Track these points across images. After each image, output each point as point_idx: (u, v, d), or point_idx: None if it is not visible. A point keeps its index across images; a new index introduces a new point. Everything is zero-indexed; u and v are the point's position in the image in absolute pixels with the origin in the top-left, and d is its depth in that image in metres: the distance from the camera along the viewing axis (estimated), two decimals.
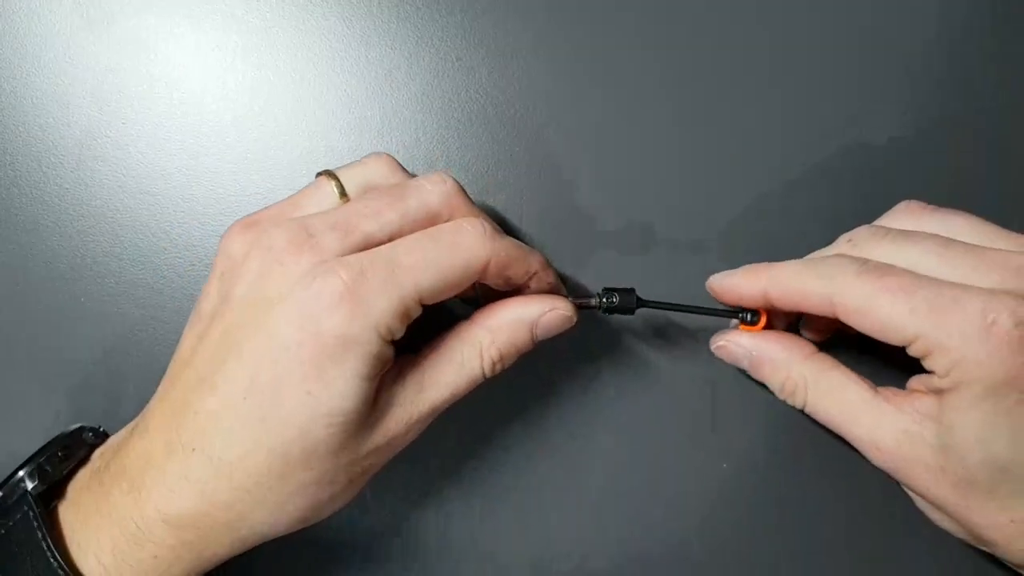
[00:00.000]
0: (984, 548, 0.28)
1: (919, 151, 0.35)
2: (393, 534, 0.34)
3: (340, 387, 0.25)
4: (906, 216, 0.30)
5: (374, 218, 0.27)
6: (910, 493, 0.29)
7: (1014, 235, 0.28)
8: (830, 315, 0.27)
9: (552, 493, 0.35)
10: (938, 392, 0.26)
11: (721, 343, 0.32)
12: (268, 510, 0.26)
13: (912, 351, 0.26)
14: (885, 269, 0.26)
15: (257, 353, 0.25)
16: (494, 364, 0.28)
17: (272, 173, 0.35)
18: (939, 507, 0.27)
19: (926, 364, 0.26)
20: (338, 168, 0.29)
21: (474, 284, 0.28)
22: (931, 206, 0.30)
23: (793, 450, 0.35)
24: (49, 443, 0.29)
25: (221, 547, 0.27)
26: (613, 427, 0.35)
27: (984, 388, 0.25)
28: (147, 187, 0.35)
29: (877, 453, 0.28)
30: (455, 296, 0.27)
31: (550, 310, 0.29)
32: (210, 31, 0.35)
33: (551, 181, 0.35)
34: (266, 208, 0.29)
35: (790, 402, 0.30)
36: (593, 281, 0.35)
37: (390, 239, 0.27)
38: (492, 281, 0.28)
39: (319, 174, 0.29)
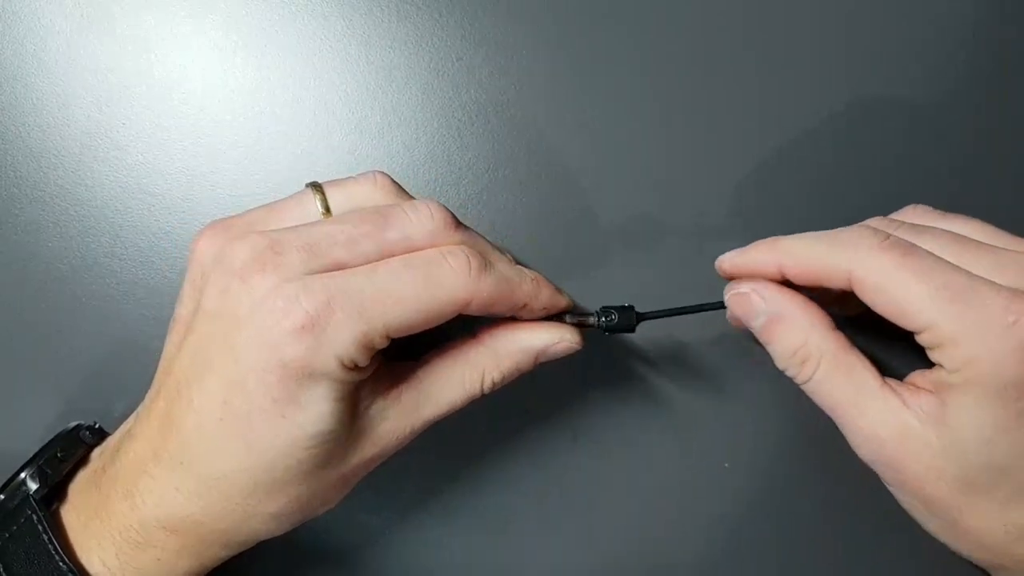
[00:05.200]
0: (965, 555, 0.27)
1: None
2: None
3: (313, 411, 0.24)
4: (914, 218, 0.29)
5: (348, 247, 0.25)
6: (893, 491, 0.28)
7: None
8: (846, 289, 0.26)
9: (551, 493, 0.35)
10: (943, 388, 0.25)
11: (743, 290, 0.28)
12: (260, 520, 0.26)
13: (923, 339, 0.25)
14: (910, 247, 0.25)
15: (226, 374, 0.24)
16: (494, 385, 0.28)
17: (272, 173, 0.35)
18: (930, 506, 0.27)
19: (934, 356, 0.25)
20: (328, 182, 0.28)
21: None
22: (938, 211, 0.29)
23: (793, 450, 0.35)
24: (48, 444, 0.29)
25: (221, 549, 0.27)
26: (612, 427, 0.35)
27: (996, 388, 0.24)
28: (147, 187, 0.35)
29: (875, 446, 0.26)
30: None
31: (558, 342, 0.28)
32: (210, 31, 0.35)
33: (552, 181, 0.35)
34: (244, 213, 0.28)
35: (792, 373, 0.28)
36: (597, 280, 0.35)
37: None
38: (475, 314, 0.26)
39: (308, 185, 0.28)
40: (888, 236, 0.26)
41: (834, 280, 0.26)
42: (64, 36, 0.35)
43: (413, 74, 0.35)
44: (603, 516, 0.35)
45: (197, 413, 0.25)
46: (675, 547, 0.35)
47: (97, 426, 0.30)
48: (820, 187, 0.35)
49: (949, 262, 0.25)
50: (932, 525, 0.28)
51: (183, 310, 0.27)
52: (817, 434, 0.33)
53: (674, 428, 0.35)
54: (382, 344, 0.25)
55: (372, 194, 0.27)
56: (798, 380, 0.28)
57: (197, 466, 0.25)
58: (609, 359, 0.35)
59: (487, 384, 0.28)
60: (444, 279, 0.25)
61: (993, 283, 0.24)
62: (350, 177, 0.28)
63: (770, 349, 0.28)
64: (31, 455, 0.28)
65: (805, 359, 0.27)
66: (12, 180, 0.35)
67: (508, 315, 0.27)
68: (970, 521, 0.26)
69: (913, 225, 0.28)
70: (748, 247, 0.29)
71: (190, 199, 0.35)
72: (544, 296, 0.27)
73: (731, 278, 0.29)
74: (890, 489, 0.28)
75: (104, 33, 0.35)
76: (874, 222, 0.29)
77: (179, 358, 0.26)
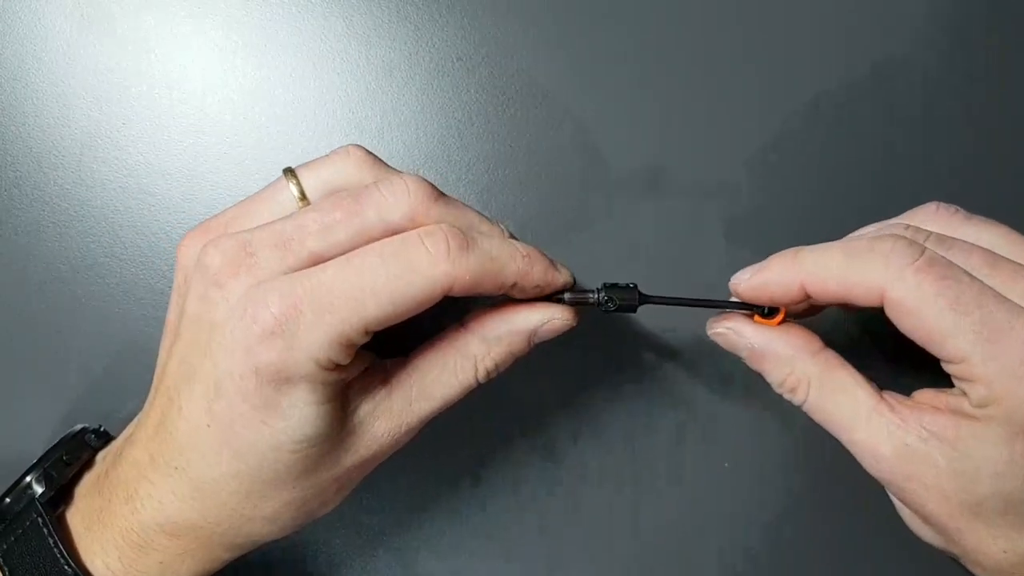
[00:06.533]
0: (959, 560, 0.27)
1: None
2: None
3: (296, 416, 0.24)
4: (935, 221, 0.28)
5: (322, 236, 0.24)
6: (893, 499, 0.28)
7: None
8: (875, 305, 0.25)
9: (550, 494, 0.35)
10: (960, 414, 0.24)
11: (720, 330, 0.28)
12: (258, 523, 0.26)
13: (951, 369, 0.24)
14: (947, 267, 0.24)
15: (207, 381, 0.24)
16: (488, 373, 0.27)
17: (272, 173, 0.35)
18: (929, 522, 0.26)
19: (959, 384, 0.24)
20: (302, 165, 0.27)
21: None
22: (962, 212, 0.28)
23: (794, 449, 0.35)
24: (54, 447, 0.29)
25: (224, 552, 0.27)
26: (612, 428, 0.35)
27: (1019, 429, 0.23)
28: (147, 187, 0.35)
29: (874, 463, 0.26)
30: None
31: (549, 320, 0.27)
32: (210, 31, 0.35)
33: (552, 181, 0.35)
34: (221, 213, 0.27)
35: (787, 398, 0.28)
36: (596, 282, 0.35)
37: (341, 254, 0.24)
38: (462, 296, 0.25)
39: (284, 171, 0.27)
40: (923, 251, 0.24)
41: (863, 298, 0.25)
42: (64, 36, 0.35)
43: (413, 74, 0.35)
44: (603, 517, 0.35)
45: (187, 420, 0.25)
46: (675, 547, 0.35)
47: (102, 429, 0.30)
48: (820, 187, 0.35)
49: (990, 288, 0.24)
50: (929, 537, 0.28)
51: (171, 315, 0.27)
52: (817, 434, 0.33)
53: (675, 428, 0.35)
54: (362, 340, 0.24)
55: (347, 171, 0.27)
56: (795, 403, 0.28)
57: (190, 471, 0.25)
58: (609, 358, 0.35)
59: (481, 373, 0.27)
60: (421, 265, 0.24)
61: None
62: (323, 157, 0.27)
63: (764, 376, 0.28)
64: (36, 458, 0.28)
65: (794, 387, 0.27)
66: (12, 180, 0.35)
67: (500, 295, 0.26)
68: (969, 541, 0.25)
69: (941, 237, 0.26)
70: (766, 263, 0.27)
71: (190, 199, 0.35)
72: (537, 272, 0.26)
73: (748, 301, 0.28)
74: (891, 498, 0.28)
75: (104, 33, 0.35)
76: (897, 229, 0.27)
77: (169, 364, 0.26)
